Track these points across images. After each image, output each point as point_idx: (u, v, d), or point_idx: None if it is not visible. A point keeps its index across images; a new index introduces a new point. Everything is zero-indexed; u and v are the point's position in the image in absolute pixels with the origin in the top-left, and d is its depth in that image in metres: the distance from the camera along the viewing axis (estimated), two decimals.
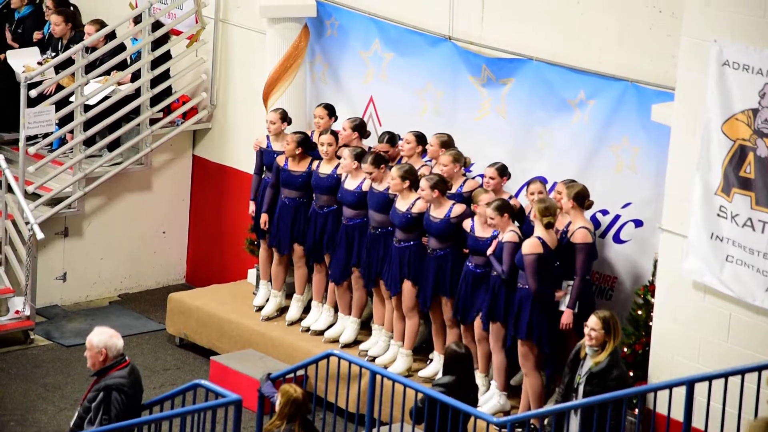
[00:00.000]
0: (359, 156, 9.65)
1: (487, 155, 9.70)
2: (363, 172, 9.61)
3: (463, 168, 9.54)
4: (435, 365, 9.48)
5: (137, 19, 11.31)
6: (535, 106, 9.59)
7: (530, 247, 8.61)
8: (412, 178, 9.34)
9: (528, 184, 9.32)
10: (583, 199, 8.82)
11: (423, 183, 9.23)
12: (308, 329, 10.23)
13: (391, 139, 9.96)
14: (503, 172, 9.25)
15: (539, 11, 9.61)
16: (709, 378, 7.34)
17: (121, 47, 11.33)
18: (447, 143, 9.63)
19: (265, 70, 10.78)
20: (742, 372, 7.35)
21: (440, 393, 7.61)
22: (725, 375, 7.34)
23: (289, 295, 10.53)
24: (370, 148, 10.07)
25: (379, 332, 9.86)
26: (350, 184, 9.80)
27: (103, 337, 7.30)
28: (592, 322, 7.69)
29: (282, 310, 10.49)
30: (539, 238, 8.63)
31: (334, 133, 9.96)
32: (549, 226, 8.66)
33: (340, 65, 10.74)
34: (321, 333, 10.15)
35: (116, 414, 7.16)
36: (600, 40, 9.29)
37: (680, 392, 7.32)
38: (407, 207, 9.36)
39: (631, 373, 8.70)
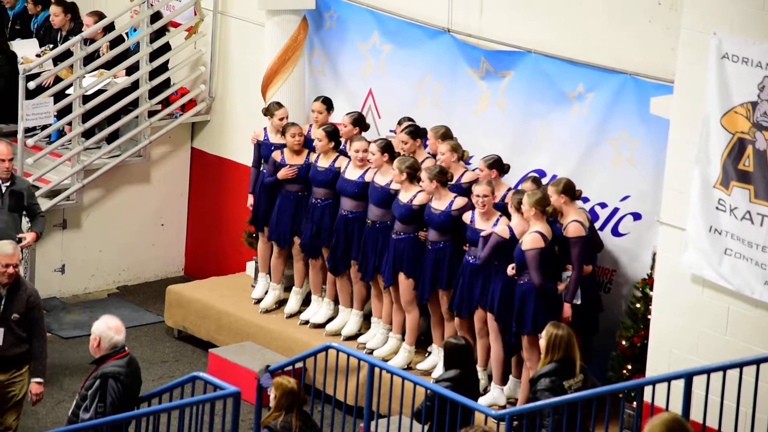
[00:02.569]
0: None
1: (486, 148, 9.69)
2: (371, 162, 9.57)
3: (461, 160, 9.54)
4: (433, 358, 9.49)
5: (136, 11, 11.29)
6: (534, 99, 9.59)
7: (532, 242, 8.60)
8: (411, 172, 9.34)
9: (523, 180, 9.31)
10: (572, 190, 8.81)
11: (423, 175, 9.23)
12: (307, 322, 10.23)
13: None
14: (492, 165, 9.22)
15: (538, 3, 9.60)
16: (708, 371, 7.34)
17: (120, 39, 11.31)
18: (445, 134, 9.63)
19: (263, 62, 10.77)
20: (740, 365, 7.35)
21: (446, 387, 7.60)
22: (723, 368, 7.34)
23: (287, 288, 10.53)
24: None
25: (378, 325, 9.86)
26: (352, 174, 9.79)
27: (101, 326, 7.34)
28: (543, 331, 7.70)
29: (280, 303, 10.49)
30: (539, 232, 8.62)
31: (326, 128, 9.88)
32: (552, 215, 8.64)
33: (338, 57, 10.73)
34: (320, 326, 10.16)
35: (112, 402, 7.18)
36: (599, 32, 9.28)
37: (678, 385, 7.32)
38: (409, 199, 9.36)
39: (630, 366, 8.72)
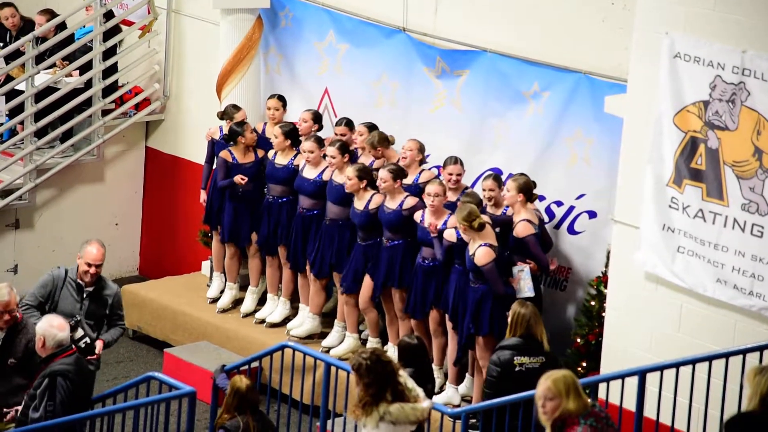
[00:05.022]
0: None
1: (443, 147, 9.71)
2: (326, 159, 9.54)
3: (422, 163, 9.54)
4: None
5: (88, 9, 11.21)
6: (490, 98, 9.62)
7: (485, 256, 8.55)
8: (368, 178, 9.31)
9: (482, 178, 9.32)
10: (529, 191, 8.83)
11: (382, 173, 9.19)
12: (263, 321, 10.20)
13: (349, 123, 9.92)
14: (463, 164, 9.26)
15: (492, 3, 9.63)
16: (661, 368, 7.40)
17: (72, 38, 11.22)
18: (387, 139, 9.62)
19: (218, 61, 10.73)
20: (693, 362, 7.41)
21: None
22: (676, 365, 7.41)
23: (243, 287, 10.49)
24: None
25: (334, 324, 9.84)
26: (309, 173, 9.76)
27: (44, 325, 7.30)
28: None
29: (236, 302, 10.45)
30: (488, 244, 8.61)
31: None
32: (482, 227, 8.61)
33: (294, 57, 10.71)
34: (276, 325, 10.13)
35: (61, 400, 7.13)
36: (553, 31, 9.33)
37: (632, 382, 7.38)
38: (364, 205, 9.34)
39: (584, 364, 8.77)
